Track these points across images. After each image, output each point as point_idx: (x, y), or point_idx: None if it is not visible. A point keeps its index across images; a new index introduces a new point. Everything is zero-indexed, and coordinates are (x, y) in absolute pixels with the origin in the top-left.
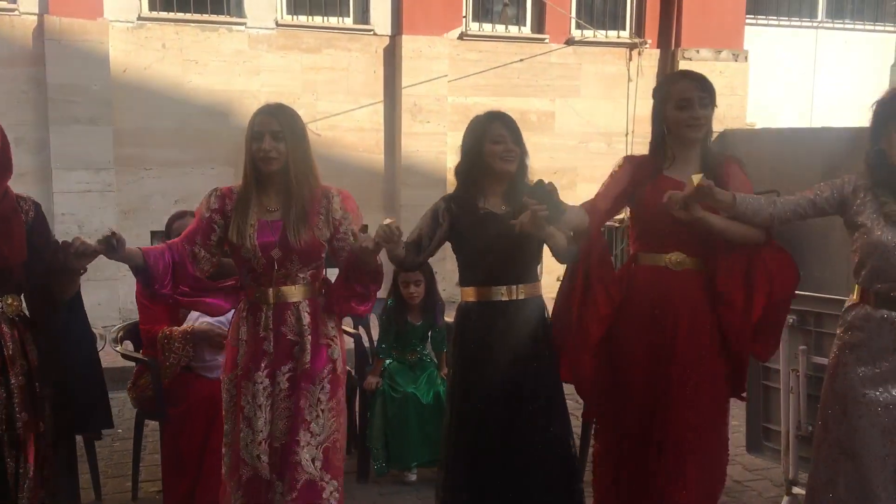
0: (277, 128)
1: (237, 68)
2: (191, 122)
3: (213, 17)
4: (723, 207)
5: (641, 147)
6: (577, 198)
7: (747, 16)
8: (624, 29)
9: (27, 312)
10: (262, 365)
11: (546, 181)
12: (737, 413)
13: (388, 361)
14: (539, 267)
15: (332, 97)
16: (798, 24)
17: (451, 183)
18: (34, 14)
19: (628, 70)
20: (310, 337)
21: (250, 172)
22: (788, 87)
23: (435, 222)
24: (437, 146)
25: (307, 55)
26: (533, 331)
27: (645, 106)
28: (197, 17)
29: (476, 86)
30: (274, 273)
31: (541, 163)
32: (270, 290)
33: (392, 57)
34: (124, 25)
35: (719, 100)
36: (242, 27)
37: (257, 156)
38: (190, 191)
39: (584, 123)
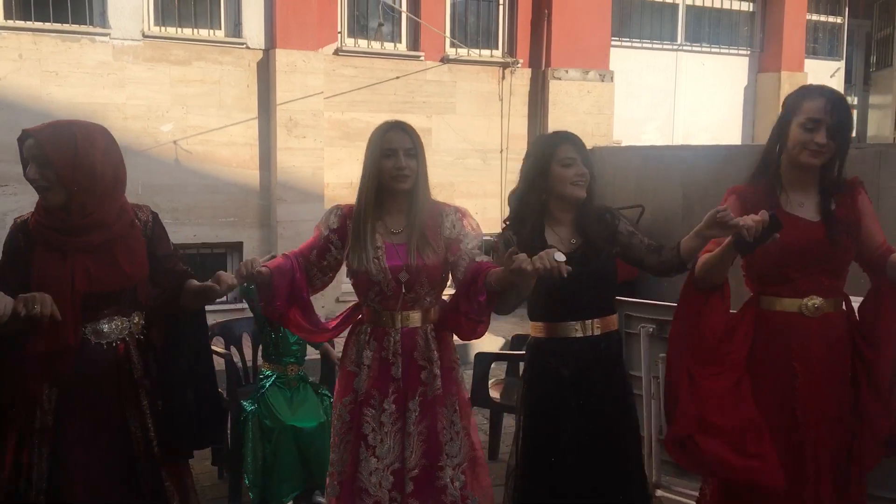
0: (410, 145)
1: (101, 80)
2: None
3: (75, 27)
4: None
5: (514, 164)
6: None
7: (613, 38)
8: (497, 48)
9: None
10: (390, 391)
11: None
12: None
13: (267, 384)
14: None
15: (204, 111)
16: (660, 46)
17: (329, 199)
18: None
19: (501, 88)
20: (438, 361)
21: (372, 192)
22: (651, 105)
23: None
24: (314, 162)
25: (176, 67)
26: (609, 367)
27: (518, 123)
28: (57, 26)
29: (353, 101)
30: (402, 296)
31: None
32: (398, 314)
33: (266, 71)
34: None
35: (586, 118)
36: (107, 38)
37: (391, 173)
38: None
39: (460, 140)
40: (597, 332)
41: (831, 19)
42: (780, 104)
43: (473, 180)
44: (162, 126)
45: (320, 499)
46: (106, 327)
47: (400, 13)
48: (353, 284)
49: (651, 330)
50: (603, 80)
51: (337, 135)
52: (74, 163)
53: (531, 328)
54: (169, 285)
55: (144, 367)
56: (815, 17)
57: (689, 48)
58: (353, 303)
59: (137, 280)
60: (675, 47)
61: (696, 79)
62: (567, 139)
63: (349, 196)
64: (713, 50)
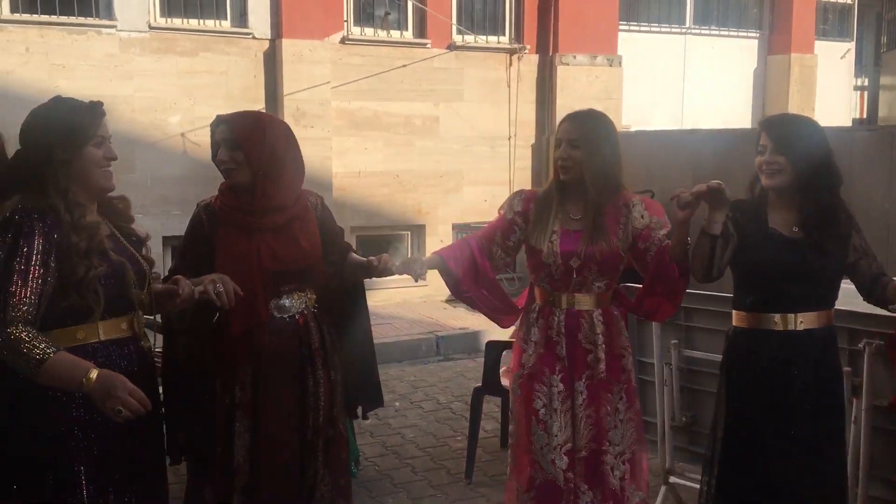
0: (575, 135)
1: (108, 73)
2: None
3: (81, 20)
4: None
5: (523, 150)
6: (463, 200)
7: (620, 22)
8: (504, 34)
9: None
10: (557, 368)
11: None
12: None
13: None
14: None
15: (211, 102)
16: (668, 30)
17: (338, 188)
18: None
19: (509, 75)
20: (604, 346)
21: (554, 178)
22: (660, 90)
23: (726, 233)
24: (321, 151)
25: (183, 59)
26: (813, 365)
27: (526, 110)
28: (63, 19)
29: (360, 90)
30: (571, 280)
31: (428, 166)
32: (564, 295)
33: (273, 61)
34: None
35: (595, 104)
36: (113, 30)
37: (556, 164)
38: None
39: (467, 127)
40: (799, 326)
41: (841, 0)
42: (790, 86)
43: (481, 168)
44: (170, 118)
45: None
46: (287, 302)
47: (406, 1)
48: (527, 264)
49: None
50: (611, 65)
51: (344, 124)
52: (261, 147)
53: (733, 317)
54: (337, 260)
55: (320, 339)
56: None
57: (698, 31)
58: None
59: (315, 257)
60: (684, 31)
61: (704, 62)
62: (765, 125)
63: (357, 185)
64: (722, 33)
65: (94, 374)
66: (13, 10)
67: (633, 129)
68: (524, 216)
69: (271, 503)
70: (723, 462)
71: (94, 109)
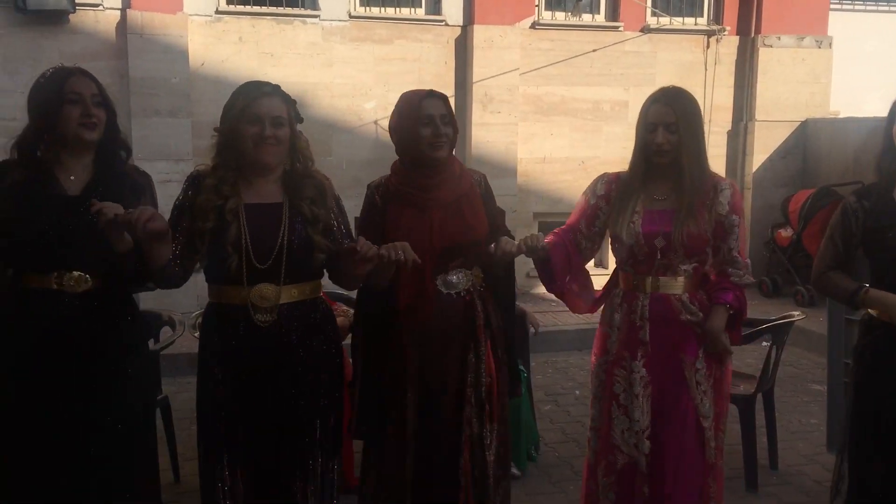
0: (672, 119)
1: (311, 60)
2: None
3: (288, 10)
4: None
5: (718, 137)
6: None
7: (832, 1)
8: (701, 16)
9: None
10: (639, 354)
11: None
12: (816, 411)
13: None
14: None
15: (404, 88)
16: (886, 8)
17: (522, 174)
18: (117, 9)
19: (705, 58)
20: (696, 328)
21: (640, 160)
22: (875, 74)
23: (848, 231)
24: (508, 137)
25: (379, 46)
26: None
27: (723, 94)
28: (272, 10)
29: (548, 75)
30: (655, 262)
31: (614, 153)
32: (649, 278)
33: (464, 47)
34: (203, 19)
35: (800, 88)
36: (316, 19)
37: (650, 148)
38: None
39: None
40: None
41: None
42: None
43: None
44: (365, 104)
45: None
46: (454, 278)
47: None
48: (612, 248)
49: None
50: (819, 47)
51: (531, 109)
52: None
53: None
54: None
55: (485, 317)
56: None
57: None
58: (614, 268)
59: (481, 233)
60: None
61: None
62: None
63: (541, 171)
64: None
65: None
66: (229, 1)
67: (841, 115)
68: (607, 199)
69: (442, 473)
70: (851, 452)
71: (248, 93)
